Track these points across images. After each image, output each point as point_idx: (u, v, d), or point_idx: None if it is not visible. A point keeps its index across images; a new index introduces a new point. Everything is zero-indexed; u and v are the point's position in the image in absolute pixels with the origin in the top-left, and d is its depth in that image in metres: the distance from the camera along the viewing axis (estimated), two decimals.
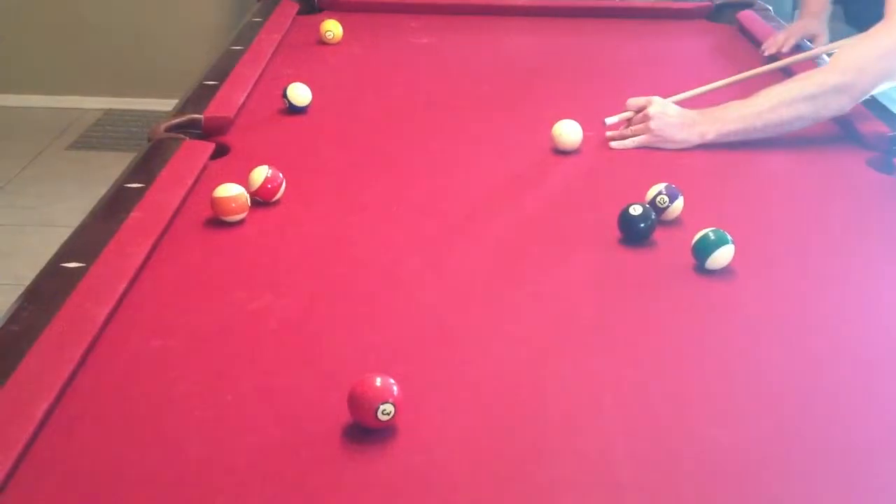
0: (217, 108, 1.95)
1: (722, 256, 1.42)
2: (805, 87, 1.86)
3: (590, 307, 1.37)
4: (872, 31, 1.88)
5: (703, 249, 1.42)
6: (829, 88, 1.84)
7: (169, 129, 1.85)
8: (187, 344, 1.25)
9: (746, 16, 2.69)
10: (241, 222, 1.54)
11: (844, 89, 1.83)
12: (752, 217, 1.64)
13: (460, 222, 1.61)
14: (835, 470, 1.06)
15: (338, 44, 2.51)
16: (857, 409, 1.16)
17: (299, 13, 2.71)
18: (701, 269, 1.43)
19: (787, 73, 2.10)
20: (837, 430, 1.12)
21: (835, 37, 2.34)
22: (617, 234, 1.52)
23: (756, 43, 2.50)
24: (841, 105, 1.85)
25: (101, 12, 4.49)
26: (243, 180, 1.58)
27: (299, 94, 2.02)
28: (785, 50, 2.35)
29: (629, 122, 1.93)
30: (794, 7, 3.43)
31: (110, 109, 4.53)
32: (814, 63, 2.15)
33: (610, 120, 1.93)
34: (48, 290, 1.29)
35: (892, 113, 1.97)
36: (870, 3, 1.97)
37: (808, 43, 2.40)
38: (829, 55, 2.03)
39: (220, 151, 1.81)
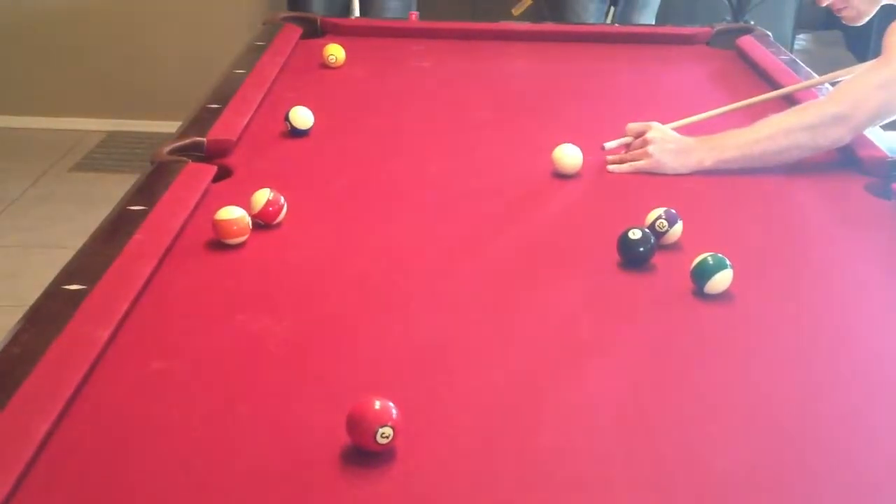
0: (220, 131, 1.97)
1: (720, 281, 1.42)
2: (804, 117, 1.87)
3: (589, 331, 1.37)
4: (872, 63, 1.90)
5: (701, 274, 1.43)
6: (827, 119, 1.85)
7: (172, 152, 1.86)
8: (188, 366, 1.25)
9: (746, 41, 2.70)
10: (242, 245, 1.55)
11: (843, 120, 1.84)
12: (750, 242, 1.64)
13: (460, 245, 1.61)
14: (832, 497, 1.06)
15: (340, 67, 2.53)
16: (856, 436, 1.16)
17: (302, 37, 2.73)
18: (700, 293, 1.43)
19: (790, 101, 2.11)
20: (835, 456, 1.12)
21: (836, 62, 2.35)
22: (616, 257, 1.52)
23: (756, 69, 2.52)
24: (839, 136, 1.85)
25: (105, 35, 4.52)
26: (245, 203, 1.59)
27: (301, 117, 2.03)
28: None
29: (628, 146, 1.94)
30: (794, 32, 3.45)
31: (113, 131, 4.55)
32: (816, 92, 2.16)
33: (609, 144, 1.94)
34: (50, 312, 1.30)
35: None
36: (869, 30, 1.98)
37: (811, 71, 2.41)
38: (834, 83, 2.03)
39: (223, 174, 1.82)
